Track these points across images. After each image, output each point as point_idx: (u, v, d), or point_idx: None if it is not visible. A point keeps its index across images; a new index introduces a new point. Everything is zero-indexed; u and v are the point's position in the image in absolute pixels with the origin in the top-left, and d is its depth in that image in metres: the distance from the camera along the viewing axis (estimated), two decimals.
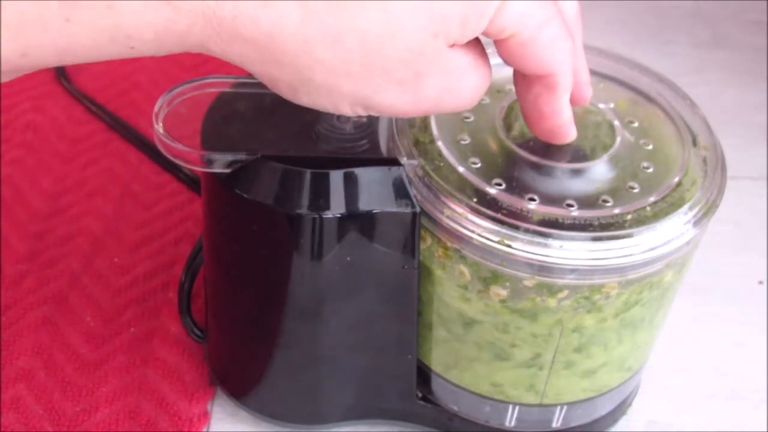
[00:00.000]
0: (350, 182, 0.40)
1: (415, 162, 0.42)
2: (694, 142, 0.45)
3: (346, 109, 0.36)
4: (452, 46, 0.35)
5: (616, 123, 0.45)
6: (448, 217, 0.40)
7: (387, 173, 0.41)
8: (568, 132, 0.40)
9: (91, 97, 0.70)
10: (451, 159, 0.42)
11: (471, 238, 0.40)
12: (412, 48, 0.33)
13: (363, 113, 0.36)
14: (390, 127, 0.43)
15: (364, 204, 0.41)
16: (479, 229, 0.40)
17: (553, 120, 0.39)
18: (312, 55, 0.33)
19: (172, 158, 0.41)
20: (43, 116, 0.69)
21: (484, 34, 0.35)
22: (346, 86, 0.34)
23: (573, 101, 0.39)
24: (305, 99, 0.35)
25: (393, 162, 0.41)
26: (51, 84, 0.72)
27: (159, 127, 0.41)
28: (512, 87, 0.41)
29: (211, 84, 0.44)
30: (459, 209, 0.40)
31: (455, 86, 0.36)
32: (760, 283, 0.61)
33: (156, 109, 0.42)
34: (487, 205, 0.40)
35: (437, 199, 0.41)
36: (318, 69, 0.33)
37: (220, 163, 0.41)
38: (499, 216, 0.40)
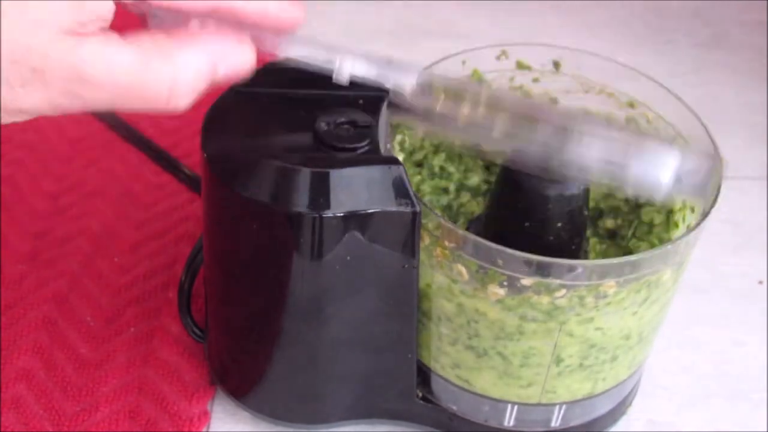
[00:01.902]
0: (350, 181, 0.40)
1: None
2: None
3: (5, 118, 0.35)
4: (79, 34, 0.33)
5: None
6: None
7: (387, 172, 0.41)
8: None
9: None
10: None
11: (469, 237, 0.40)
12: (16, 45, 0.32)
13: (18, 119, 0.35)
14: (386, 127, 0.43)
15: (364, 203, 0.41)
16: None
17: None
18: None
19: None
20: (43, 116, 0.69)
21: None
22: None
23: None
24: None
25: (393, 161, 0.41)
26: None
27: None
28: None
29: None
30: None
31: (93, 75, 0.34)
32: (760, 283, 0.60)
33: None
34: None
35: None
36: None
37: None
38: None
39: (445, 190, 0.47)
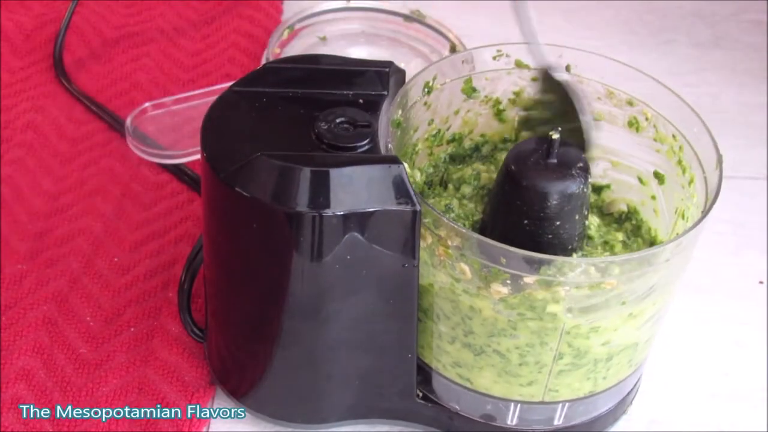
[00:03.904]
0: (350, 180, 0.40)
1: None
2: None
3: None
4: None
5: None
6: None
7: (387, 171, 0.41)
8: None
9: (91, 97, 0.70)
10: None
11: (471, 235, 0.40)
12: None
13: None
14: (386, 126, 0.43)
15: (364, 202, 0.41)
16: None
17: None
18: None
19: None
20: (43, 116, 0.69)
21: None
22: None
23: None
24: None
25: (393, 160, 0.41)
26: (51, 84, 0.72)
27: None
28: None
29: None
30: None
31: None
32: (760, 283, 0.60)
33: None
34: None
35: None
36: None
37: None
38: None
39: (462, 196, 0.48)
